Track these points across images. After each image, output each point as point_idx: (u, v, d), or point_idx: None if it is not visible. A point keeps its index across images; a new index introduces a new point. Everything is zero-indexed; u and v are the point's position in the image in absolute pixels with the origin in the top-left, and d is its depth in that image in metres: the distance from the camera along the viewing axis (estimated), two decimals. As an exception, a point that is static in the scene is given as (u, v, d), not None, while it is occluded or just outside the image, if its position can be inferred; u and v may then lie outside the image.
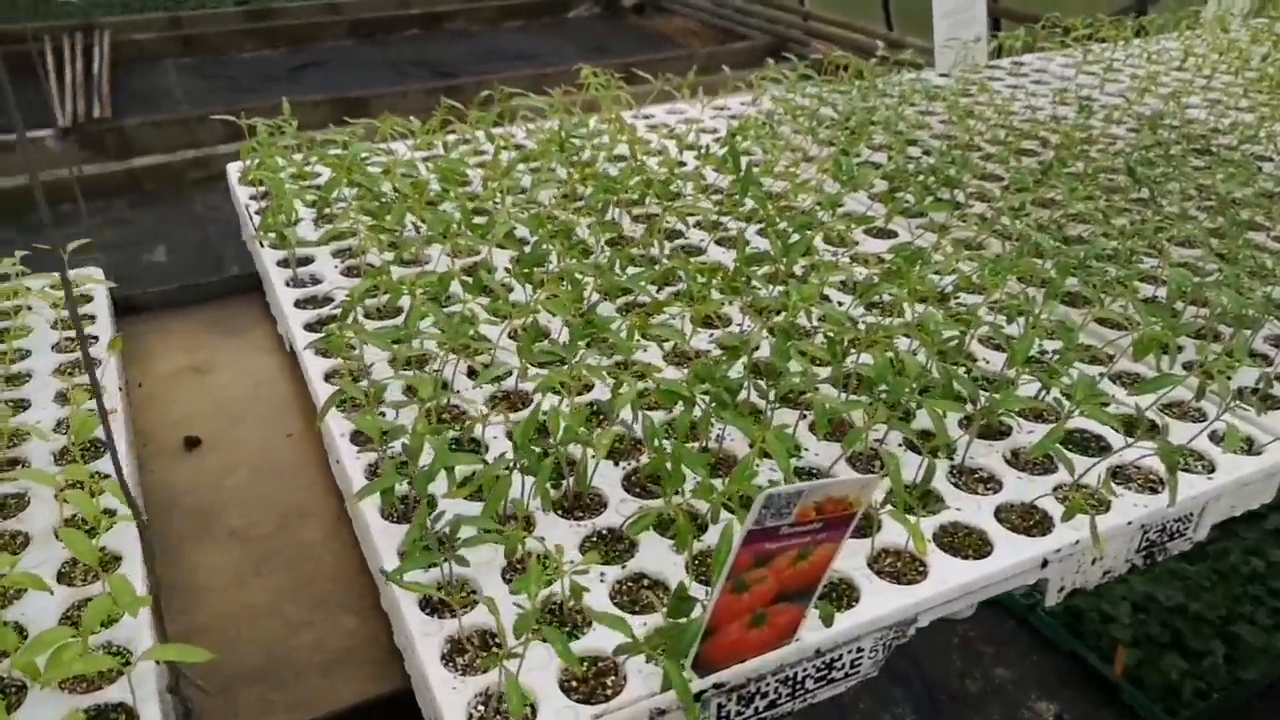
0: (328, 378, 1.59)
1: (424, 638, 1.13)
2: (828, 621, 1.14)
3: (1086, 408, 1.33)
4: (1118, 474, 1.42)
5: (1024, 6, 5.25)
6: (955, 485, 1.39)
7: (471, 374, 1.58)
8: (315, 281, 1.89)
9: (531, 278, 1.74)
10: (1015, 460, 1.44)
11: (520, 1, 10.38)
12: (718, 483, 1.30)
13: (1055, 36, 3.30)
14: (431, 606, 1.17)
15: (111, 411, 1.52)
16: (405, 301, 1.72)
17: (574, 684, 1.09)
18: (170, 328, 2.00)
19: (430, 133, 2.34)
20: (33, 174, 1.06)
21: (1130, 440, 1.39)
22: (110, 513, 1.32)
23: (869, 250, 2.01)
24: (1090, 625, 3.00)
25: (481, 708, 1.05)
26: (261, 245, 1.97)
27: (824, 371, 1.52)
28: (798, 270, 1.88)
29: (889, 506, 1.26)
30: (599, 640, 1.12)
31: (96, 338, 1.73)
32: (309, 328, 1.73)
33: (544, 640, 1.06)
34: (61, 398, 1.56)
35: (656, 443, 1.30)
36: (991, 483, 1.40)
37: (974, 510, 1.34)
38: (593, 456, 1.27)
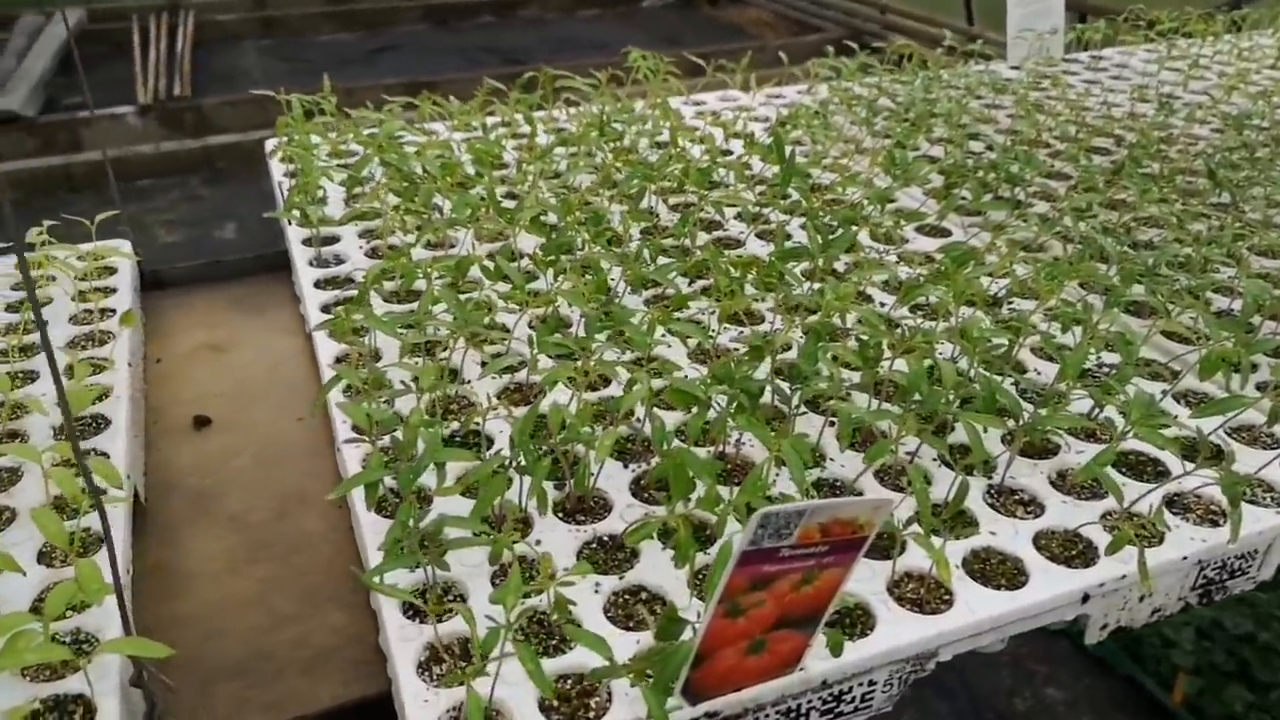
0: (338, 362, 1.54)
1: (402, 643, 1.06)
2: (836, 651, 1.05)
3: (1141, 429, 1.20)
4: (1175, 503, 1.29)
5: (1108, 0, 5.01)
6: (992, 507, 1.27)
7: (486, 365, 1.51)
8: (339, 262, 1.84)
9: (555, 265, 1.66)
10: (1061, 483, 1.32)
11: (595, -9, 10.34)
12: (728, 492, 1.21)
13: (1139, 30, 3.11)
14: (416, 609, 1.10)
15: (115, 390, 1.48)
16: (423, 285, 1.66)
17: (556, 703, 1.01)
18: (194, 304, 1.97)
19: (470, 114, 2.28)
20: (104, 150, 1.01)
21: (1190, 467, 1.26)
22: (101, 492, 1.27)
23: (919, 249, 1.89)
24: (1150, 650, 2.86)
25: (452, 724, 0.98)
26: (289, 223, 1.93)
27: (856, 377, 1.42)
28: (839, 267, 1.78)
29: (914, 527, 1.15)
30: (588, 656, 1.04)
31: (114, 310, 1.70)
32: (326, 309, 1.68)
33: (539, 652, 0.99)
34: (71, 371, 1.53)
35: (666, 446, 1.21)
36: (1033, 506, 1.28)
37: (1010, 535, 1.22)
38: (595, 458, 1.19)
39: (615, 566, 1.17)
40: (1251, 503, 1.28)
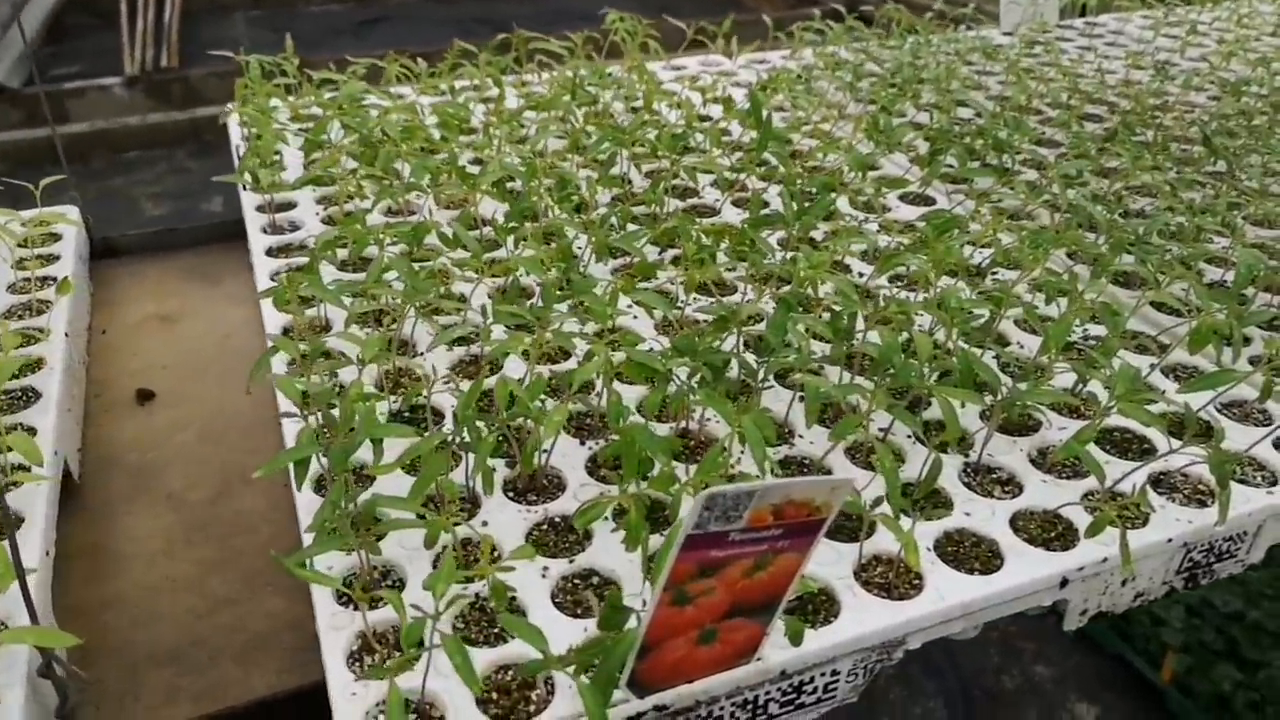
0: (286, 333, 1.46)
1: (332, 632, 0.99)
2: (796, 640, 0.98)
3: (1125, 404, 1.13)
4: (1161, 482, 1.22)
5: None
6: (968, 486, 1.21)
7: (440, 335, 1.43)
8: (294, 229, 1.76)
9: (517, 232, 1.58)
10: (1042, 461, 1.25)
11: (591, -39, 10.18)
12: (688, 471, 1.13)
13: (1135, -5, 3.02)
14: (352, 596, 1.03)
15: (49, 361, 1.40)
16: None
17: (494, 696, 0.94)
18: (146, 274, 1.89)
19: (439, 77, 2.19)
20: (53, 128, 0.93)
21: (1177, 444, 1.19)
22: (24, 469, 1.20)
23: (901, 218, 1.81)
24: (1139, 628, 2.82)
25: (381, 718, 0.91)
26: (244, 189, 1.85)
27: (828, 350, 1.34)
28: (818, 236, 1.70)
29: (883, 508, 1.08)
30: (529, 646, 0.97)
31: (55, 279, 1.62)
32: (276, 278, 1.60)
33: (475, 641, 0.92)
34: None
35: (622, 422, 1.14)
36: (1011, 485, 1.21)
37: (986, 516, 1.16)
38: (545, 434, 1.11)
39: (566, 549, 1.10)
40: (1241, 482, 1.22)
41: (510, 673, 0.96)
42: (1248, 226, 1.76)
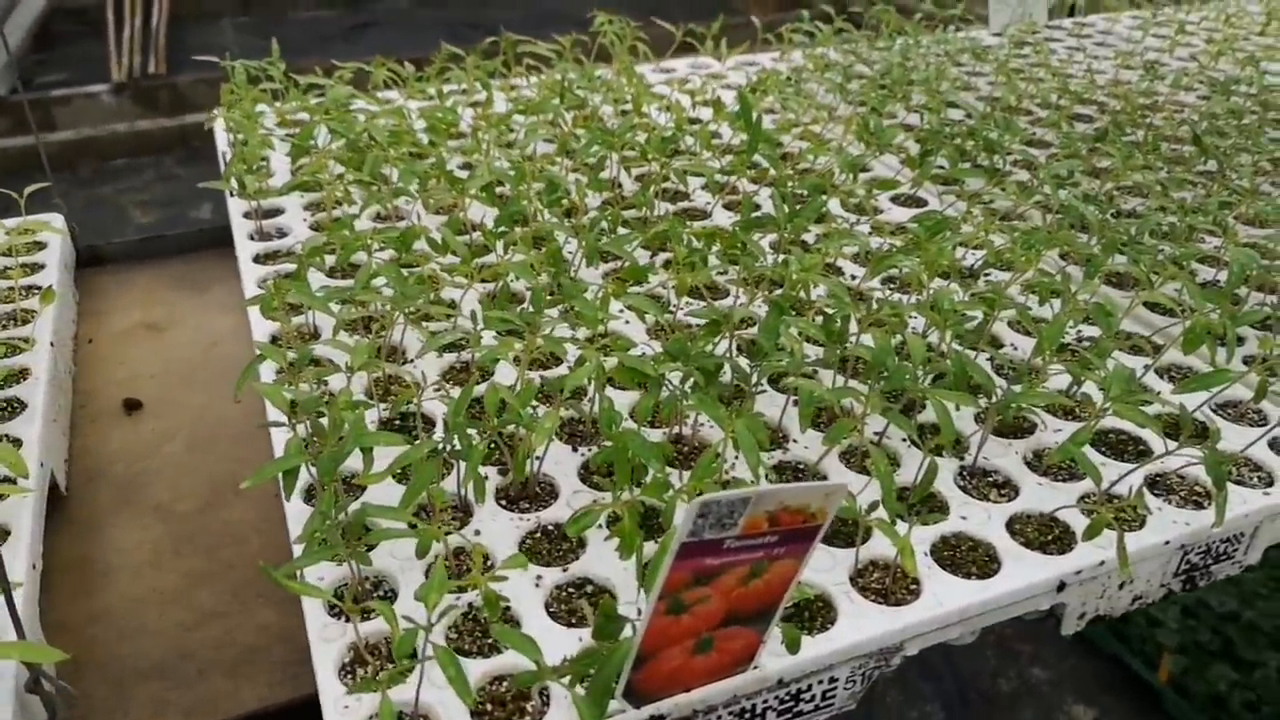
0: (274, 341, 1.45)
1: (323, 644, 0.98)
2: (793, 647, 0.97)
3: (1119, 406, 1.12)
4: (1157, 484, 1.22)
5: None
6: (964, 489, 1.20)
7: (430, 342, 1.42)
8: (281, 235, 1.74)
9: (506, 237, 1.56)
10: (1037, 463, 1.24)
11: (580, -35, 10.18)
12: (681, 477, 1.12)
13: (1123, -5, 3.03)
14: (342, 608, 1.02)
15: (34, 371, 1.38)
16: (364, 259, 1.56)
17: (489, 708, 0.93)
18: (134, 282, 1.87)
19: (427, 81, 2.17)
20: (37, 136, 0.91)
21: (1173, 445, 1.18)
22: (10, 481, 1.18)
23: (892, 219, 1.80)
24: (1135, 629, 2.81)
25: (373, 732, 0.90)
26: (230, 195, 1.83)
27: (821, 353, 1.33)
28: (809, 239, 1.69)
29: (879, 513, 1.07)
30: (523, 657, 0.96)
31: (39, 288, 1.60)
32: (263, 285, 1.59)
33: (469, 652, 0.91)
34: (-12, 351, 1.44)
35: (614, 428, 1.13)
36: (1007, 488, 1.21)
37: (983, 520, 1.15)
38: (535, 440, 1.10)
39: (560, 558, 1.09)
40: (1238, 483, 1.21)
41: (505, 684, 0.95)
42: (1239, 226, 1.75)
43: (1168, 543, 1.14)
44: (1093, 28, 2.95)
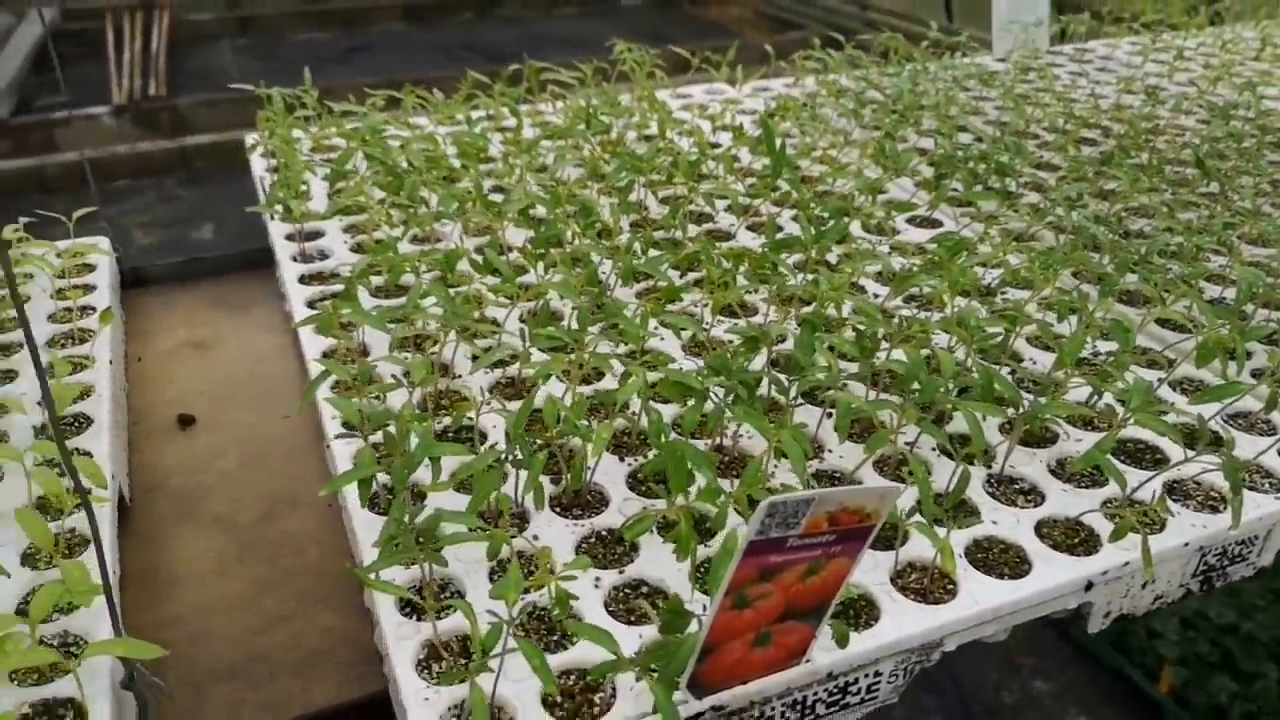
0: (325, 357, 1.51)
1: (399, 641, 1.04)
2: (842, 642, 1.03)
3: (1140, 416, 1.19)
4: (1175, 490, 1.28)
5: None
6: (992, 496, 1.26)
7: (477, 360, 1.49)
8: (324, 256, 1.81)
9: (545, 258, 1.63)
10: (1060, 471, 1.31)
11: (573, -13, 10.32)
12: (727, 484, 1.19)
13: (1123, 22, 3.12)
14: (413, 607, 1.08)
15: (97, 388, 1.44)
16: (410, 280, 1.63)
17: (559, 699, 0.99)
18: (176, 302, 1.94)
19: (454, 107, 2.25)
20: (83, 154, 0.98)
21: (1190, 453, 1.25)
22: (87, 491, 1.24)
23: (911, 240, 1.88)
24: (1135, 641, 2.86)
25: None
26: (271, 218, 1.90)
27: (852, 368, 1.40)
28: (831, 259, 1.76)
29: (916, 517, 1.14)
30: (590, 651, 1.02)
31: (94, 308, 1.66)
32: (312, 305, 1.65)
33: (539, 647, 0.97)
34: (52, 369, 1.49)
35: (662, 438, 1.19)
36: (1033, 495, 1.27)
37: (1012, 524, 1.21)
38: (592, 451, 1.17)
39: (615, 561, 1.15)
40: (1250, 489, 1.28)
41: (572, 677, 1.01)
42: (1243, 245, 1.83)
43: (1187, 545, 1.20)
44: (1093, 53, 3.04)
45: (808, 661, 1.02)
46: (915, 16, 7.62)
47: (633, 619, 1.07)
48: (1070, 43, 3.11)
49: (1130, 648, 2.86)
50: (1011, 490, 1.28)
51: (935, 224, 1.96)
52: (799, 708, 1.05)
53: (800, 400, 1.39)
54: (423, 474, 1.19)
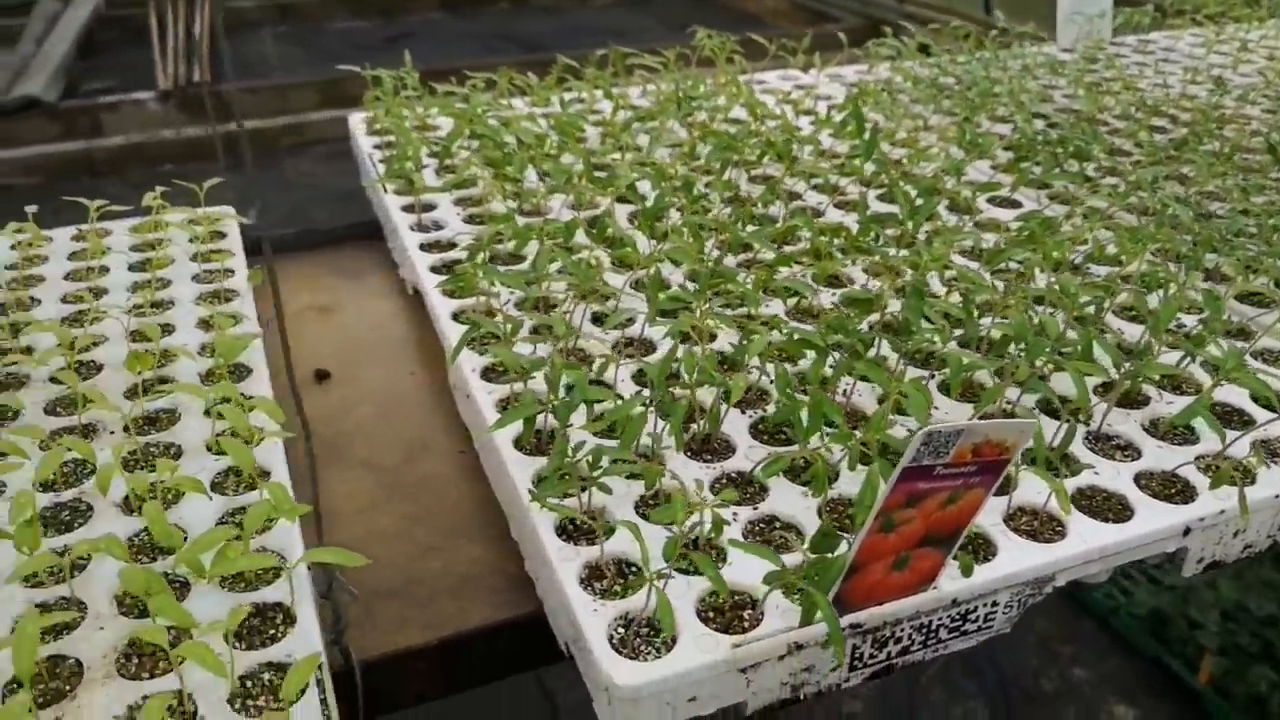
0: (455, 318, 1.62)
1: (563, 562, 1.15)
2: (967, 571, 1.13)
3: (1238, 374, 1.28)
4: (1264, 447, 1.37)
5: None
6: (1093, 451, 1.36)
7: (596, 320, 1.59)
8: (438, 227, 1.92)
9: (654, 230, 1.74)
10: (1153, 430, 1.40)
11: (609, -22, 10.39)
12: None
13: (1185, 14, 3.18)
14: (567, 534, 1.19)
15: (260, 335, 1.57)
16: (530, 249, 1.74)
17: (711, 614, 1.09)
18: (292, 270, 2.05)
19: (548, 89, 2.36)
20: (214, 126, 1.09)
21: (1273, 416, 1.34)
22: (258, 430, 1.36)
23: (992, 218, 1.97)
24: (1175, 631, 2.90)
25: (621, 630, 1.07)
26: (385, 191, 2.01)
27: (956, 332, 1.50)
28: (920, 236, 1.85)
29: (1029, 464, 1.23)
30: (734, 574, 1.12)
31: (233, 270, 1.78)
32: (434, 270, 1.76)
33: (687, 571, 1.08)
34: (204, 324, 1.62)
35: (789, 391, 1.29)
36: (1129, 450, 1.37)
37: (1113, 475, 1.31)
38: (731, 399, 1.27)
39: (747, 499, 1.26)
40: (1336, 448, 1.36)
41: (719, 596, 1.11)
42: (1316, 227, 1.91)
43: (1278, 496, 1.29)
44: (1156, 45, 3.11)
45: (935, 588, 1.12)
46: (953, 9, 7.67)
47: (772, 549, 1.17)
48: (1132, 34, 3.18)
49: (1170, 638, 2.89)
50: (1109, 446, 1.37)
51: (1015, 204, 2.05)
52: (924, 631, 1.15)
53: (907, 362, 1.49)
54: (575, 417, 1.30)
